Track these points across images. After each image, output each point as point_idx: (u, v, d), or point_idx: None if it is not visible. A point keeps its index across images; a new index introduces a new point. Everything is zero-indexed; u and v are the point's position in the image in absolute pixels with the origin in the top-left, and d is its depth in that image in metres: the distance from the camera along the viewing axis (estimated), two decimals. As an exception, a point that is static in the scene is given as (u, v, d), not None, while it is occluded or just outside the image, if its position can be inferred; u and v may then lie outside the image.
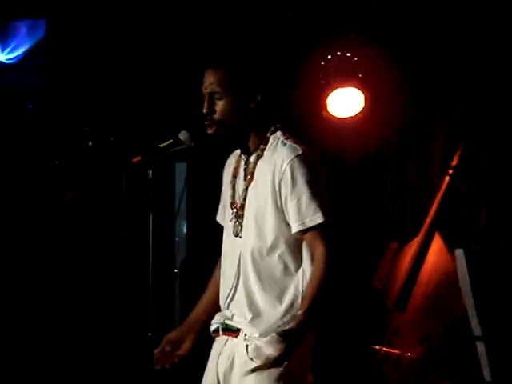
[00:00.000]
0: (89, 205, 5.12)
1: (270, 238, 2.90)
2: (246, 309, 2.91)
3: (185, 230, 5.40)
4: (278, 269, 2.90)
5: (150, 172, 2.83)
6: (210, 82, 2.92)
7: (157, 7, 4.96)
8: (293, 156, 2.87)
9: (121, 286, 2.95)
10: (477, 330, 2.07)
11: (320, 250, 2.84)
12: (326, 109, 4.73)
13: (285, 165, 2.87)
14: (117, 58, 5.18)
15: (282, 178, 2.87)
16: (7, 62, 5.32)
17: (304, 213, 2.84)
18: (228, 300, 2.98)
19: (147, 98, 5.08)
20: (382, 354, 4.30)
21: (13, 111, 5.35)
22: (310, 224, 2.85)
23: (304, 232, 2.87)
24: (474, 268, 2.04)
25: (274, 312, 2.88)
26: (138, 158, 2.82)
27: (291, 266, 2.91)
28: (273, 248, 2.90)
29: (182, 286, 5.12)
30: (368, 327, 4.54)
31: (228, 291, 2.97)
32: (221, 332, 3.00)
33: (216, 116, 2.91)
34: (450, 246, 4.30)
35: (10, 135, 5.29)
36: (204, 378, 3.04)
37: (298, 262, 2.92)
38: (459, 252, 1.94)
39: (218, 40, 4.61)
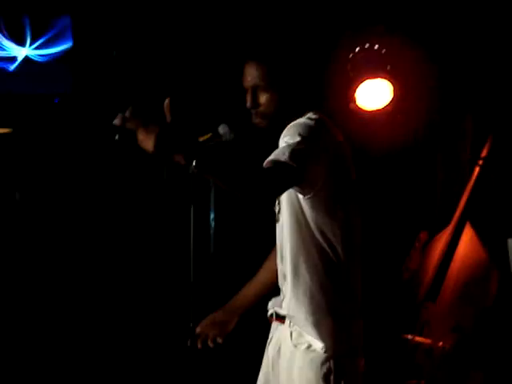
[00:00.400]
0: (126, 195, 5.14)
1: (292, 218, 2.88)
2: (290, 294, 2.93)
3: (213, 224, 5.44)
4: (303, 250, 2.88)
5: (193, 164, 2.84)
6: (253, 75, 2.91)
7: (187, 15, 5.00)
8: (296, 122, 2.85)
9: (160, 276, 2.99)
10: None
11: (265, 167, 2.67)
12: (354, 101, 4.75)
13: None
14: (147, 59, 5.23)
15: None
16: (33, 57, 5.36)
17: (277, 152, 2.71)
18: (281, 284, 3.00)
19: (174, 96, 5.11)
20: (414, 343, 4.33)
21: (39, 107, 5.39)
22: (270, 157, 2.69)
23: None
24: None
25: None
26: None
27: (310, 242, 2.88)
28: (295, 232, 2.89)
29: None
30: (399, 317, 4.57)
31: (281, 276, 2.99)
32: (274, 317, 3.04)
33: (261, 109, 2.91)
34: (481, 235, 4.33)
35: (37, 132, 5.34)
36: (263, 361, 3.10)
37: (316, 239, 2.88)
38: (511, 242, 1.96)
39: (260, 33, 4.65)
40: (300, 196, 2.83)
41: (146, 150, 2.48)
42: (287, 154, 2.66)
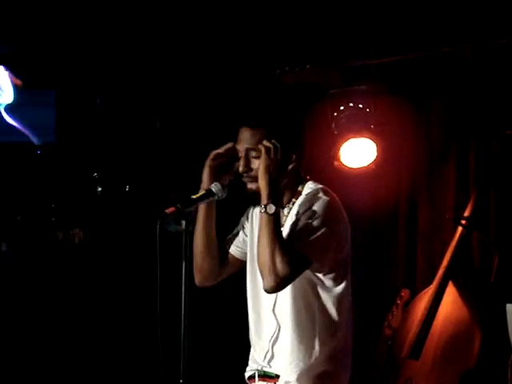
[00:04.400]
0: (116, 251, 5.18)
1: (300, 286, 2.93)
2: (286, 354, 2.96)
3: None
4: (307, 314, 2.94)
5: (184, 222, 2.88)
6: (246, 140, 2.96)
7: (171, 57, 5.05)
8: (310, 192, 2.93)
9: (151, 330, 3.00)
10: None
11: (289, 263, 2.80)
12: (338, 159, 4.81)
13: (303, 206, 2.92)
14: (127, 105, 5.27)
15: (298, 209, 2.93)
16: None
17: (295, 236, 2.85)
18: (270, 345, 3.01)
19: (161, 147, 5.16)
20: (397, 401, 4.34)
21: (21, 156, 5.41)
22: (293, 247, 2.82)
23: None
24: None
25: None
26: (172, 209, 2.86)
27: (315, 308, 2.94)
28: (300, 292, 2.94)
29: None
30: (381, 374, 4.57)
31: (271, 338, 3.02)
32: (257, 378, 3.03)
33: (253, 173, 2.95)
34: (463, 295, 4.36)
35: (18, 179, 5.35)
36: None
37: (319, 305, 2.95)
38: (510, 307, 1.99)
39: (254, 98, 4.71)
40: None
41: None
42: (305, 242, 2.82)
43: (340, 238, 2.93)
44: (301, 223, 2.85)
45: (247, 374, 3.09)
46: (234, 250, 3.19)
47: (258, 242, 2.86)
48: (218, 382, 4.98)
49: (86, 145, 5.35)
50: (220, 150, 3.05)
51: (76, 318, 5.18)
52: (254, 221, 3.12)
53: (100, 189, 5.39)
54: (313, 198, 2.91)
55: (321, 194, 2.91)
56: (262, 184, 2.86)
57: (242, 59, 4.91)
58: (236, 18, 4.83)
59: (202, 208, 3.08)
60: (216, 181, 3.00)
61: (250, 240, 3.12)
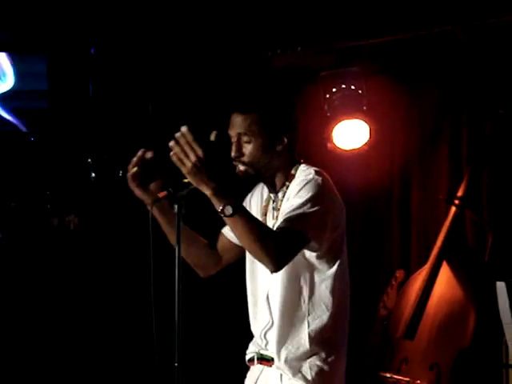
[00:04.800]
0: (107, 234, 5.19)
1: (292, 272, 2.96)
2: (278, 338, 2.98)
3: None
4: (296, 300, 2.96)
5: (176, 206, 2.88)
6: (237, 125, 2.97)
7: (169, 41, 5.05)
8: (304, 177, 2.93)
9: (145, 318, 3.01)
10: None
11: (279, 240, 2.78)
12: (331, 141, 4.82)
13: (296, 186, 2.93)
14: (119, 90, 5.26)
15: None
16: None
17: (296, 214, 2.82)
18: (266, 329, 3.03)
19: (154, 132, 5.15)
20: (392, 381, 4.35)
21: (14, 143, 5.41)
22: (289, 225, 2.81)
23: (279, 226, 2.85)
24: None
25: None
26: (164, 193, 2.87)
27: (305, 294, 2.96)
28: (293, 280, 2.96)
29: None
30: (376, 355, 4.60)
31: (265, 323, 3.04)
32: (256, 361, 3.06)
33: (245, 158, 2.97)
34: (457, 274, 4.38)
35: (11, 167, 5.35)
36: None
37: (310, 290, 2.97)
38: (500, 285, 2.00)
39: (242, 83, 4.72)
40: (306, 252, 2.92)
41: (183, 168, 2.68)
42: (302, 221, 2.80)
43: (335, 218, 2.95)
44: (296, 203, 2.85)
45: (247, 357, 3.13)
46: (231, 236, 3.18)
47: (241, 243, 2.86)
48: (213, 364, 5.00)
49: (78, 131, 5.35)
50: (134, 159, 3.01)
51: (71, 304, 5.19)
52: (253, 208, 3.15)
53: (94, 175, 5.39)
54: (306, 179, 2.91)
55: (314, 175, 2.92)
56: (200, 187, 2.71)
57: (233, 42, 4.90)
58: (227, 1, 4.82)
59: (157, 216, 3.03)
60: (145, 188, 2.97)
61: None
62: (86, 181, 5.35)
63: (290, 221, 2.82)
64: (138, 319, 4.52)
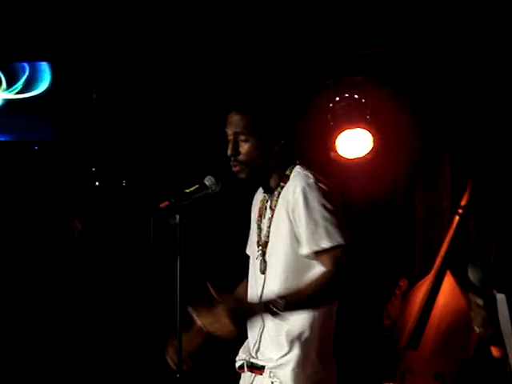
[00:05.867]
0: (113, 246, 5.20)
1: (288, 274, 2.96)
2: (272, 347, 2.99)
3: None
4: None
5: (178, 216, 2.88)
6: (235, 124, 3.00)
7: (171, 50, 5.05)
8: (304, 183, 2.93)
9: (145, 328, 3.01)
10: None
11: (329, 269, 2.82)
12: (334, 150, 4.81)
13: (297, 192, 2.93)
14: (126, 99, 5.27)
15: (295, 205, 2.92)
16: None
17: (319, 234, 2.85)
18: (259, 335, 3.05)
19: (158, 142, 5.16)
20: (396, 391, 4.34)
21: (19, 152, 5.42)
22: (324, 245, 2.84)
23: (317, 254, 2.86)
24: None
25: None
26: (166, 203, 2.86)
27: None
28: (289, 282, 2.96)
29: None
30: (380, 365, 4.58)
31: (257, 331, 3.05)
32: (246, 368, 3.07)
33: (241, 158, 3.00)
34: (461, 284, 4.36)
35: (16, 176, 5.36)
36: None
37: None
38: (500, 297, 1.99)
39: (243, 84, 4.71)
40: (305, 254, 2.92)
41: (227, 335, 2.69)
42: (338, 234, 2.84)
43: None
44: (314, 219, 2.86)
45: (237, 364, 3.14)
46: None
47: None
48: (212, 374, 4.99)
49: (83, 140, 5.36)
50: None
51: (74, 310, 5.19)
52: (254, 204, 3.19)
53: (98, 183, 5.40)
54: (307, 184, 2.91)
55: (314, 180, 2.93)
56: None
57: (238, 49, 4.91)
58: (233, 9, 4.83)
59: None
60: None
61: (252, 224, 3.17)
62: (90, 189, 5.35)
63: (327, 241, 2.83)
64: (140, 327, 4.53)
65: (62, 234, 5.31)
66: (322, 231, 2.84)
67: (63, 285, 5.23)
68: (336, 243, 2.83)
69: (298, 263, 2.95)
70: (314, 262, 2.91)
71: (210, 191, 2.98)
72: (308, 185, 2.92)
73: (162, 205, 2.87)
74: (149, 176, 5.19)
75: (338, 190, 3.01)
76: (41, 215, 5.35)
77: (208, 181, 2.98)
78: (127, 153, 5.30)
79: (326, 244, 2.84)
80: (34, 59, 5.37)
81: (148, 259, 2.86)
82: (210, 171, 3.02)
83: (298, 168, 3.02)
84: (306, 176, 2.95)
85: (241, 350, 3.13)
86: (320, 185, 2.92)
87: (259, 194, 3.18)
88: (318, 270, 2.90)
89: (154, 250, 2.83)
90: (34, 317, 5.19)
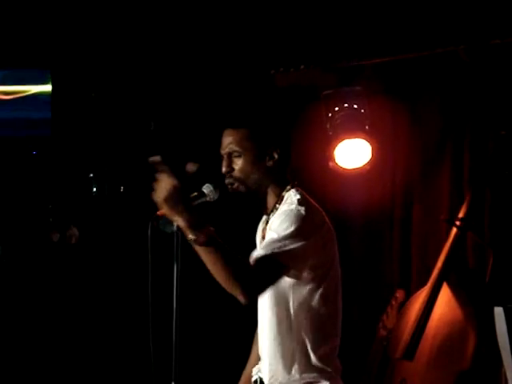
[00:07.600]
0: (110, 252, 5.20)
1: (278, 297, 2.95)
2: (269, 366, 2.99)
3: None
4: (283, 326, 2.94)
5: (175, 224, 2.86)
6: (228, 141, 2.97)
7: (168, 58, 5.05)
8: (287, 207, 2.89)
9: (141, 333, 3.00)
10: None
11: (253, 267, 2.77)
12: (333, 160, 4.81)
13: (279, 214, 2.91)
14: (121, 106, 5.27)
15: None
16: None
17: (273, 246, 2.79)
18: (262, 354, 3.05)
19: (155, 148, 5.15)
20: (391, 402, 4.34)
21: (17, 158, 5.42)
22: (261, 252, 2.80)
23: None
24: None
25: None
26: (163, 211, 2.85)
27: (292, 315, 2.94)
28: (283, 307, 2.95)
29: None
30: (375, 375, 4.58)
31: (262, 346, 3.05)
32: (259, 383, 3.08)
33: (235, 174, 2.97)
34: (458, 296, 4.36)
35: (14, 181, 5.35)
36: None
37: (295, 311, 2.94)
38: (498, 310, 1.99)
39: (235, 100, 4.71)
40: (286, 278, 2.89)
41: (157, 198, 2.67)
42: (279, 250, 2.76)
43: (316, 247, 2.88)
44: (276, 236, 2.81)
45: (253, 378, 3.15)
46: None
47: (213, 274, 2.75)
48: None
49: (81, 146, 5.36)
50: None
51: (71, 317, 5.18)
52: (258, 233, 3.16)
53: (95, 189, 5.40)
54: (288, 209, 2.88)
55: (296, 206, 2.87)
56: (174, 217, 2.70)
57: (236, 60, 4.90)
58: (230, 19, 4.83)
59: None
60: None
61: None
62: (88, 195, 5.35)
63: (267, 252, 2.78)
64: (137, 334, 4.52)
65: (58, 240, 5.30)
66: (275, 247, 2.79)
67: (60, 291, 5.22)
68: (270, 252, 2.78)
69: (285, 284, 2.91)
70: (302, 281, 2.90)
71: (208, 199, 2.97)
72: (289, 208, 2.88)
73: (160, 212, 2.86)
74: (146, 183, 5.17)
75: (321, 214, 2.95)
76: (38, 220, 5.35)
77: (206, 188, 2.96)
78: (125, 159, 5.29)
79: (263, 251, 2.80)
80: (33, 62, 5.37)
81: (145, 266, 2.85)
82: (209, 179, 3.02)
83: (292, 192, 2.98)
84: (291, 201, 2.92)
85: (257, 365, 3.13)
86: (300, 209, 2.86)
87: (264, 217, 3.15)
88: (304, 290, 2.90)
89: (150, 257, 2.83)
90: (30, 322, 5.18)
